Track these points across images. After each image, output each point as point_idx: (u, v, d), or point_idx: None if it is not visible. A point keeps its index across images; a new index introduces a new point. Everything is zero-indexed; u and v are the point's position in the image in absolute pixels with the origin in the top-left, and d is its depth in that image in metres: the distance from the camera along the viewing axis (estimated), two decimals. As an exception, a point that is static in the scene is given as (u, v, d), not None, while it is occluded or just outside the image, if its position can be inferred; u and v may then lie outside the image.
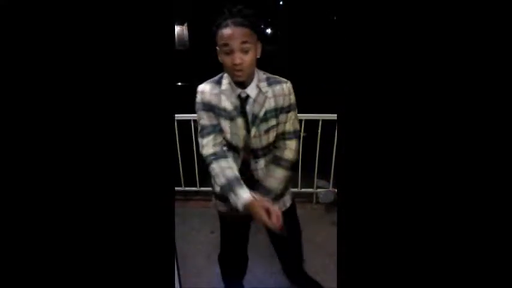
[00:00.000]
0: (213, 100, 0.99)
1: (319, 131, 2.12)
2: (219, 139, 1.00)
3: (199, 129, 1.02)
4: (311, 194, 2.33)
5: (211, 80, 1.02)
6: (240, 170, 1.02)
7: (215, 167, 0.97)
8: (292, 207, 1.16)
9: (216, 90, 0.99)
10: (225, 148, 1.02)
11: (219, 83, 1.00)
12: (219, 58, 0.94)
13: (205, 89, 1.00)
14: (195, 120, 2.20)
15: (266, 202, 0.91)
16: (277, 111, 0.99)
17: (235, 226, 1.18)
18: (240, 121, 0.99)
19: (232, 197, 0.94)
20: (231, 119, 0.99)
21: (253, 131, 0.99)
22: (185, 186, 2.35)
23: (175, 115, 2.16)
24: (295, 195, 1.22)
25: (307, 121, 2.08)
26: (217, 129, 1.00)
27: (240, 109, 0.98)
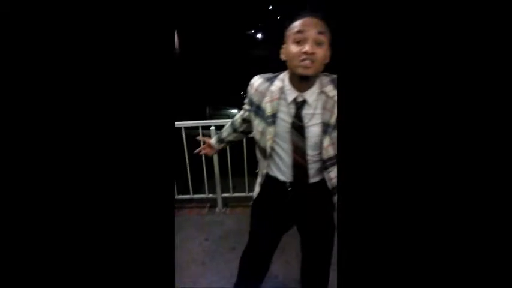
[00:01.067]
0: (256, 97, 0.95)
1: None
2: (243, 120, 1.13)
3: None
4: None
5: (266, 75, 0.97)
6: (294, 179, 0.97)
7: (228, 125, 1.21)
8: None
9: (263, 89, 0.93)
10: (242, 128, 1.15)
11: (271, 81, 0.94)
12: (283, 55, 0.88)
13: (254, 83, 0.96)
14: (186, 128, 2.19)
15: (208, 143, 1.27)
16: None
17: (272, 224, 1.10)
18: (290, 128, 0.91)
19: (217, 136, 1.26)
20: (266, 123, 0.93)
21: (326, 140, 0.90)
22: (178, 194, 2.33)
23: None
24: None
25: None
26: (245, 118, 1.09)
27: (295, 114, 0.90)
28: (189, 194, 2.33)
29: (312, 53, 0.80)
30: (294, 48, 0.83)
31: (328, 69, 0.91)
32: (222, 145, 1.24)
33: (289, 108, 0.91)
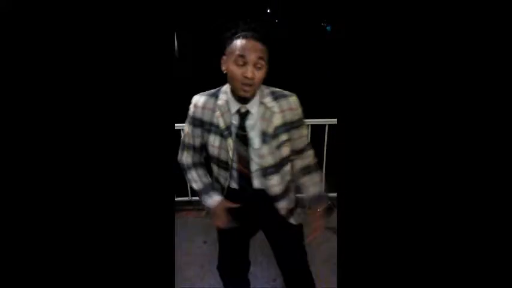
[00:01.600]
0: (206, 115, 0.97)
1: (309, 135, 2.13)
2: (198, 154, 1.07)
3: (181, 140, 1.06)
4: (302, 198, 2.32)
5: (207, 92, 0.99)
6: (239, 186, 1.03)
7: (193, 174, 1.09)
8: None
9: (211, 105, 0.96)
10: (202, 159, 1.10)
11: (215, 96, 0.97)
12: (224, 68, 0.91)
13: (198, 102, 0.98)
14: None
15: (228, 202, 1.06)
16: (288, 126, 0.97)
17: (236, 232, 1.14)
18: (234, 138, 0.96)
19: (205, 198, 1.07)
20: (223, 136, 0.96)
21: (264, 149, 0.96)
22: (176, 196, 2.31)
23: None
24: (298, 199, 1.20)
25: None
26: (198, 148, 1.05)
27: (239, 125, 0.95)
28: (187, 196, 2.32)
29: (252, 78, 0.85)
30: (235, 70, 0.87)
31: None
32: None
33: (233, 119, 0.95)
